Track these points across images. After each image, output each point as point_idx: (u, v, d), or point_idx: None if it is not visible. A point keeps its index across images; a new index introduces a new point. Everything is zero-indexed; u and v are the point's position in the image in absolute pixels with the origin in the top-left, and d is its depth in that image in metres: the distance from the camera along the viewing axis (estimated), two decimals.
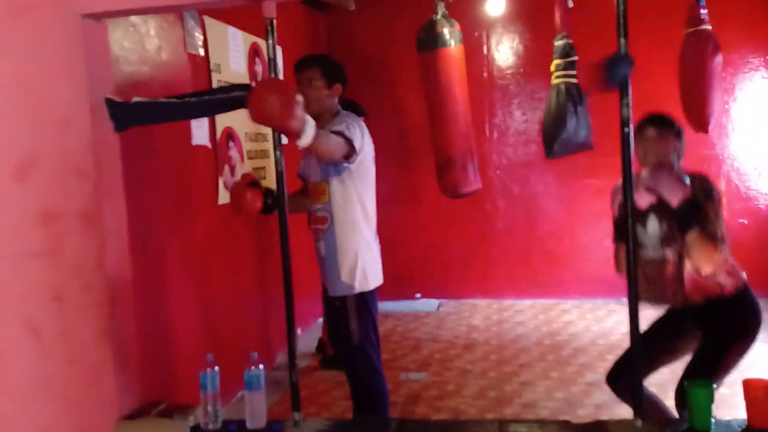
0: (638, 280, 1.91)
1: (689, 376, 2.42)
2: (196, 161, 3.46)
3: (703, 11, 4.40)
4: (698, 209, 2.33)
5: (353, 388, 2.79)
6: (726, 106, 5.25)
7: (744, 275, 2.50)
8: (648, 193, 2.38)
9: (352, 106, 4.32)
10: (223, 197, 3.69)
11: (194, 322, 3.41)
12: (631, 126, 1.94)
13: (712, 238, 2.34)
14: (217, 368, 2.30)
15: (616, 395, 2.56)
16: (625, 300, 1.88)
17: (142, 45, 3.00)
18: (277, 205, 2.13)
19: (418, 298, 5.84)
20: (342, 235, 2.65)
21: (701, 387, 1.78)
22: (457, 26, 4.48)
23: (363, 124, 2.69)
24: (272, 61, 2.18)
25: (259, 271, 4.28)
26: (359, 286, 2.67)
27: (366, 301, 2.71)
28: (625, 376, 2.46)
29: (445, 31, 4.37)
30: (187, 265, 3.37)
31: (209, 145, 3.56)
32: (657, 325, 2.62)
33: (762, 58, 5.19)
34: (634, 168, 1.90)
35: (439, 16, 4.41)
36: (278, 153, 2.16)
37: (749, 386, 1.80)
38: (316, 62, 2.73)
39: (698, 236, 2.30)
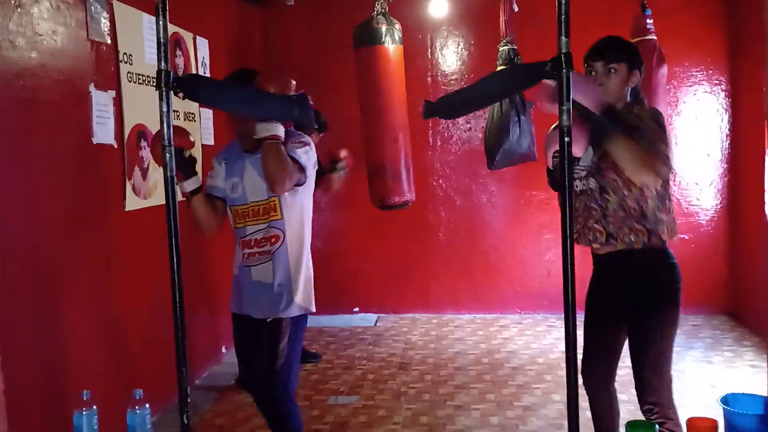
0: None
1: (638, 364, 2.27)
2: (98, 162, 3.08)
3: (649, 21, 4.31)
4: (631, 117, 2.15)
5: (269, 418, 2.57)
6: (669, 120, 5.17)
7: (676, 236, 2.28)
8: (553, 105, 2.04)
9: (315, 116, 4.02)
10: (132, 203, 3.32)
11: (97, 349, 3.02)
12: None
13: (650, 146, 2.09)
14: (95, 407, 1.97)
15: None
16: None
17: (31, 28, 2.63)
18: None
19: (356, 313, 5.56)
20: (296, 253, 2.50)
21: (643, 428, 1.62)
22: (397, 25, 4.25)
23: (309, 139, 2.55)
24: (162, 44, 1.88)
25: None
26: (310, 307, 2.56)
27: (305, 323, 2.58)
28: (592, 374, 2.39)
29: (383, 28, 4.14)
30: (86, 281, 2.98)
31: (115, 145, 3.18)
32: (590, 324, 2.41)
33: (704, 72, 5.14)
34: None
35: (377, 13, 4.18)
36: (167, 155, 1.87)
37: (694, 426, 1.74)
38: None
39: (625, 138, 2.06)
